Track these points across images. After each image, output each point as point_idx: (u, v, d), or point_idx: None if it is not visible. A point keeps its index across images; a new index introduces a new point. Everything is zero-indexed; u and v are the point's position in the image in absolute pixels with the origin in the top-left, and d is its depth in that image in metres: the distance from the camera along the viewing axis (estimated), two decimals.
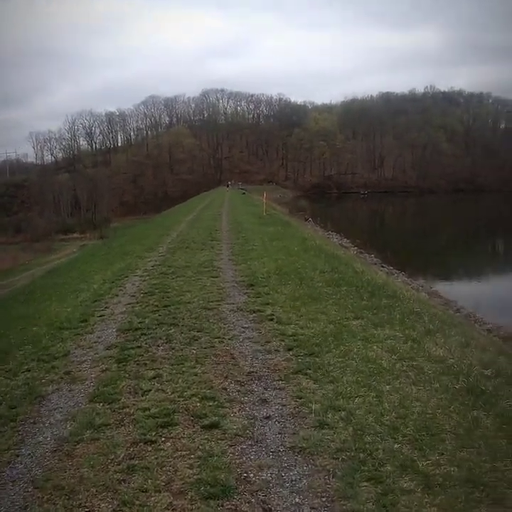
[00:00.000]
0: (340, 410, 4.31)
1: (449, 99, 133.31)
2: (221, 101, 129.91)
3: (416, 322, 7.06)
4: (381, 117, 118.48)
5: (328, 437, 3.91)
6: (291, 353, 5.81)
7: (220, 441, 3.94)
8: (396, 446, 3.74)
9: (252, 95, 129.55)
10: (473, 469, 3.43)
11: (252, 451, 3.82)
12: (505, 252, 36.57)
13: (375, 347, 5.84)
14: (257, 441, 3.96)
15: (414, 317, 7.35)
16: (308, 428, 4.09)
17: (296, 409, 4.43)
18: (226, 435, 4.03)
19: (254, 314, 7.50)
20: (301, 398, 4.62)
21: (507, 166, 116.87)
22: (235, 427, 4.13)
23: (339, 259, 13.62)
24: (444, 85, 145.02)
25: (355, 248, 26.00)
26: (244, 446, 3.89)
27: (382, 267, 21.73)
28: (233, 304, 8.18)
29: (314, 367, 5.28)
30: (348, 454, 3.68)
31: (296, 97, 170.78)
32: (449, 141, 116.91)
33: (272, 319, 7.18)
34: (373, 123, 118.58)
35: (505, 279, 25.38)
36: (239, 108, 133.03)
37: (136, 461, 3.71)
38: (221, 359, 5.69)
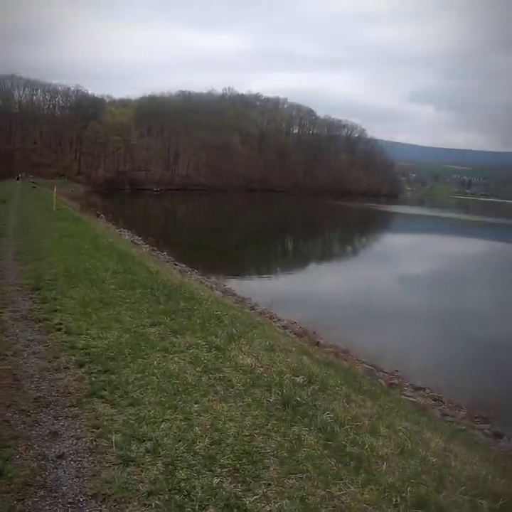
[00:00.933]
0: (145, 440, 3.65)
1: (246, 102, 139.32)
2: (17, 89, 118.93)
3: (217, 327, 6.78)
4: (178, 115, 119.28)
5: (136, 477, 3.26)
6: (83, 370, 4.95)
7: (5, 496, 3.05)
8: (215, 481, 3.22)
9: (49, 84, 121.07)
10: (306, 499, 3.07)
11: (46, 505, 3.01)
12: (293, 249, 39.31)
13: (176, 358, 5.34)
14: (50, 491, 3.14)
15: (215, 321, 7.06)
16: (110, 466, 3.39)
17: (94, 442, 3.68)
18: (12, 486, 3.13)
19: (40, 323, 6.44)
20: (98, 428, 3.84)
21: (297, 169, 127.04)
22: (22, 474, 3.25)
23: (132, 258, 13.02)
24: (243, 88, 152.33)
25: (148, 246, 25.45)
26: (36, 499, 3.05)
27: (176, 264, 21.56)
28: (17, 311, 6.98)
29: (111, 387, 4.51)
30: (161, 497, 3.06)
31: (96, 90, 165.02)
32: (244, 143, 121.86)
33: (60, 329, 6.21)
34: (169, 120, 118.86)
35: (293, 275, 26.99)
36: (34, 97, 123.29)
37: None
38: (2, 382, 4.58)
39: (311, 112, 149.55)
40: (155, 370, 4.92)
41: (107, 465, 3.41)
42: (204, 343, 5.88)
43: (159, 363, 5.13)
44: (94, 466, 3.40)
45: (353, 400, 4.95)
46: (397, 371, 12.42)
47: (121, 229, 31.14)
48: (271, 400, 4.35)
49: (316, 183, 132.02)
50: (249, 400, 4.36)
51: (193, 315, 7.14)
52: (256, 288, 20.92)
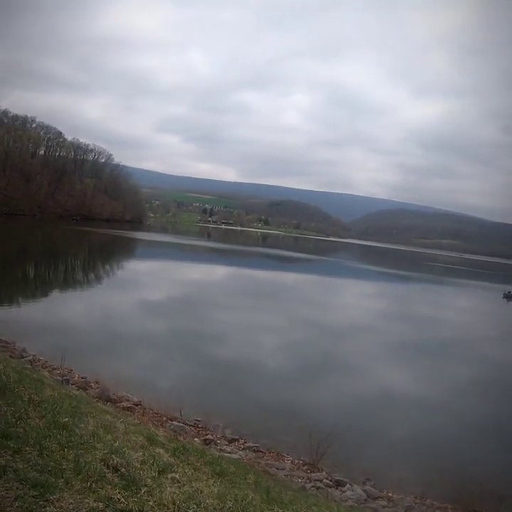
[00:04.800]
0: None
1: None
2: None
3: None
4: None
5: None
6: None
7: None
8: None
9: None
10: None
11: None
12: (37, 275, 38.43)
13: None
14: None
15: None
16: None
17: None
18: None
19: None
20: None
21: (41, 192, 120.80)
22: None
23: None
24: None
25: None
26: None
27: None
28: None
29: None
30: None
31: None
32: None
33: None
34: None
35: (38, 302, 26.94)
36: None
37: None
38: None
39: (59, 134, 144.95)
40: None
41: None
42: None
43: None
44: None
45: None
46: (198, 420, 13.01)
47: None
48: None
49: (61, 207, 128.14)
50: None
51: None
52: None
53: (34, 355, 15.47)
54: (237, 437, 12.49)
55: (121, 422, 7.58)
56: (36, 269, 41.84)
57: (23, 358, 14.71)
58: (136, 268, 51.16)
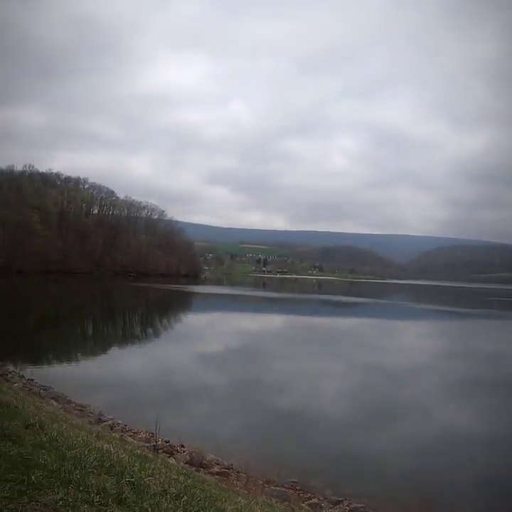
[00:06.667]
0: None
1: (46, 180, 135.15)
2: None
3: None
4: None
5: None
6: None
7: None
8: None
9: None
10: None
11: None
12: (95, 332, 38.91)
13: None
14: None
15: None
16: None
17: None
18: None
19: None
20: None
21: (97, 250, 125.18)
22: None
23: None
24: (43, 166, 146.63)
25: None
26: None
27: None
28: None
29: None
30: None
31: None
32: (42, 222, 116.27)
33: None
34: None
35: (95, 360, 26.97)
36: None
37: None
38: None
39: (111, 193, 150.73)
40: None
41: None
42: None
43: None
44: None
45: None
46: (294, 482, 12.07)
47: None
48: None
49: (116, 264, 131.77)
50: None
51: None
52: (58, 374, 20.82)
53: (112, 419, 14.79)
54: (342, 498, 11.48)
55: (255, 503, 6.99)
56: (94, 325, 42.39)
57: (101, 421, 14.02)
58: (193, 321, 51.11)
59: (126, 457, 6.19)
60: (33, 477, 4.26)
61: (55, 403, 14.45)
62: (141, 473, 5.41)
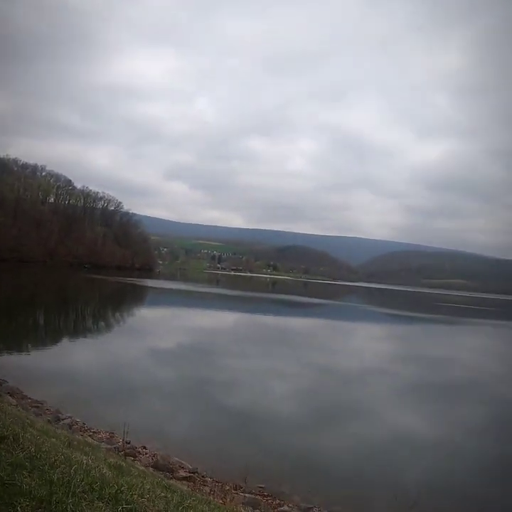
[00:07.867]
0: None
1: (3, 166, 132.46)
2: None
3: None
4: None
5: None
6: None
7: None
8: None
9: None
10: None
11: None
12: (47, 323, 38.48)
13: None
14: None
15: None
16: None
17: None
18: None
19: None
20: None
21: (52, 238, 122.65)
22: None
23: None
24: None
25: None
26: None
27: None
28: None
29: None
30: None
31: None
32: None
33: None
34: None
35: (48, 352, 26.84)
36: None
37: None
38: None
39: (68, 182, 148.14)
40: None
41: None
42: None
43: None
44: None
45: None
46: (261, 487, 11.69)
47: None
48: None
49: (71, 254, 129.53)
50: None
51: None
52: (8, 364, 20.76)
53: (70, 417, 14.36)
54: (311, 506, 11.24)
55: None
56: (46, 317, 41.91)
57: (59, 420, 13.61)
58: (147, 316, 51.12)
59: (108, 472, 5.91)
60: (18, 508, 3.64)
61: (11, 399, 14.25)
62: (131, 494, 5.08)
